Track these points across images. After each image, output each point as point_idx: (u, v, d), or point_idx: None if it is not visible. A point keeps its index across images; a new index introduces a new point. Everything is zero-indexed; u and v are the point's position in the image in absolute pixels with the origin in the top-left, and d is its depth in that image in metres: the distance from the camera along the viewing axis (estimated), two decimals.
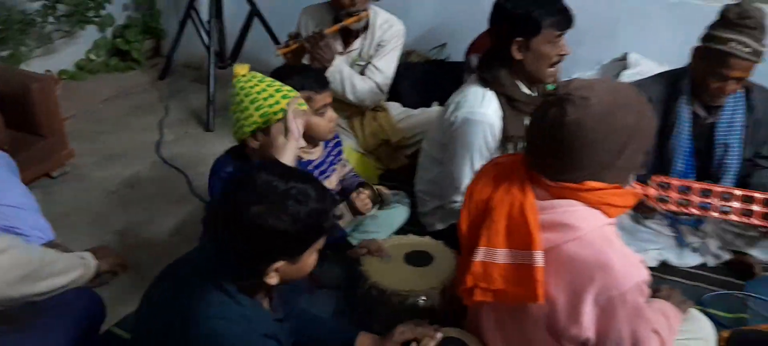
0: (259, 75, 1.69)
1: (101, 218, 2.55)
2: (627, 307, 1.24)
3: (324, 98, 1.95)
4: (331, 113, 1.99)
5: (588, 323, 1.25)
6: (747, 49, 2.00)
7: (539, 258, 1.25)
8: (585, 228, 1.26)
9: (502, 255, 1.30)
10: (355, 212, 1.98)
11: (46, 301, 1.62)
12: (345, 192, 2.23)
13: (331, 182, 2.13)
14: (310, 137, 1.99)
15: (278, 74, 1.93)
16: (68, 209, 2.59)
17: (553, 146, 1.27)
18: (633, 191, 1.34)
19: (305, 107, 1.69)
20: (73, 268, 1.69)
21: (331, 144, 2.15)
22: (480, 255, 1.32)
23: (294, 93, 1.68)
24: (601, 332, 1.27)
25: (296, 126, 1.63)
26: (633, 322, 1.26)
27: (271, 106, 1.63)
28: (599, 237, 1.26)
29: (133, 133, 3.23)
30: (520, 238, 1.28)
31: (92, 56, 3.86)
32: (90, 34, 3.80)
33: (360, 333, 1.57)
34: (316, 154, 2.08)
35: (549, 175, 1.29)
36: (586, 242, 1.25)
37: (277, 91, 1.65)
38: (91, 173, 2.85)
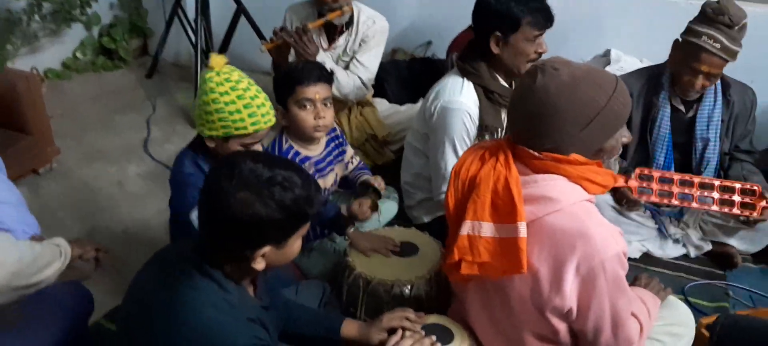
0: (235, 79, 1.59)
1: (88, 215, 2.55)
2: (607, 276, 1.27)
3: (311, 92, 1.95)
4: (320, 109, 1.97)
5: (570, 293, 1.29)
6: (717, 45, 2.05)
7: (523, 229, 1.29)
8: (566, 200, 1.30)
9: (487, 228, 1.34)
10: (354, 218, 2.00)
11: (34, 295, 1.62)
12: (349, 183, 2.24)
13: (328, 182, 2.14)
14: (301, 132, 2.01)
15: (284, 75, 1.97)
16: (55, 206, 2.58)
17: (523, 112, 1.33)
18: (613, 172, 1.39)
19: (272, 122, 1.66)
20: (55, 258, 1.70)
21: (332, 144, 2.16)
22: (466, 229, 1.36)
23: (264, 111, 1.62)
24: (582, 304, 1.31)
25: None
26: (613, 295, 1.30)
27: (235, 124, 1.59)
28: (579, 209, 1.31)
29: (120, 131, 3.22)
30: (505, 211, 1.32)
31: (79, 55, 3.85)
32: (76, 33, 3.79)
33: (345, 320, 1.58)
34: (316, 150, 2.09)
35: (526, 143, 1.33)
36: (567, 214, 1.30)
37: (247, 109, 1.58)
38: (78, 171, 2.84)
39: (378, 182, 2.10)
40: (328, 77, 2.01)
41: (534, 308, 1.35)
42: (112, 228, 2.48)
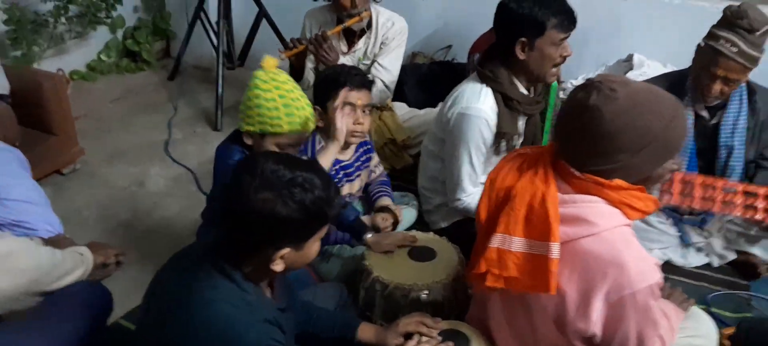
0: (282, 80, 1.65)
1: (110, 215, 2.59)
2: (637, 307, 1.23)
3: (353, 97, 1.96)
4: (360, 115, 1.97)
5: (596, 319, 1.25)
6: (734, 49, 2.01)
7: (556, 250, 1.25)
8: (603, 225, 1.25)
9: (518, 243, 1.31)
10: (375, 229, 2.01)
11: (55, 294, 1.65)
12: (368, 194, 2.25)
13: (354, 186, 2.15)
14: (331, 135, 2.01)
15: (327, 76, 1.98)
16: (78, 206, 2.63)
17: (572, 128, 1.28)
18: (654, 198, 1.33)
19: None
20: (77, 266, 1.73)
21: (361, 149, 2.16)
22: (496, 241, 1.33)
23: (303, 115, 1.65)
24: (608, 330, 1.27)
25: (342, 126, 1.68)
26: (641, 323, 1.26)
27: (272, 121, 1.63)
28: (617, 235, 1.26)
29: (142, 132, 3.27)
30: (539, 228, 1.28)
31: (103, 57, 3.92)
32: (101, 36, 3.86)
33: (362, 323, 1.58)
34: (346, 155, 2.09)
35: (570, 160, 1.29)
36: (603, 239, 1.25)
37: (286, 108, 1.62)
38: (100, 171, 2.89)
39: (398, 211, 2.11)
40: (370, 85, 2.03)
41: (556, 327, 1.33)
42: (134, 228, 2.51)
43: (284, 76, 1.65)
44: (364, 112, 1.99)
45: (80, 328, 1.63)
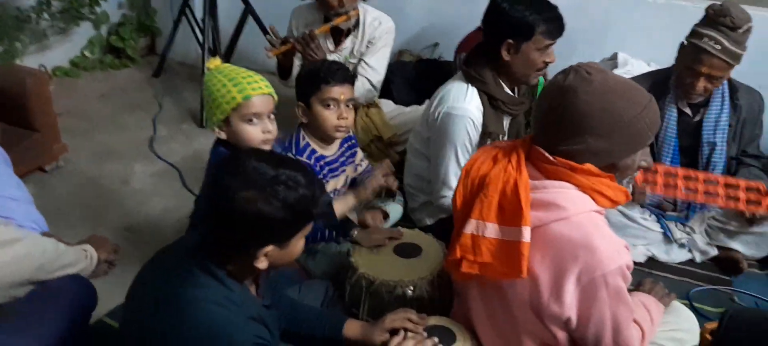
0: (226, 68, 1.70)
1: (94, 212, 2.56)
2: (609, 289, 1.26)
3: (336, 92, 1.96)
4: (343, 110, 1.98)
5: (569, 302, 1.28)
6: (718, 47, 2.04)
7: (526, 233, 1.28)
8: (573, 210, 1.29)
9: (491, 229, 1.33)
10: (363, 226, 2.01)
11: (38, 287, 1.63)
12: (357, 185, 2.23)
13: (339, 182, 2.14)
14: (321, 131, 2.01)
15: (309, 72, 1.98)
16: (61, 203, 2.60)
17: (546, 108, 1.32)
18: (625, 189, 1.36)
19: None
20: (80, 260, 1.72)
21: (345, 145, 2.16)
22: (470, 227, 1.35)
23: (252, 81, 1.67)
24: (582, 314, 1.30)
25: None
26: (614, 305, 1.29)
27: (225, 99, 1.65)
28: (586, 220, 1.30)
29: (127, 130, 3.24)
30: (511, 214, 1.31)
31: (87, 53, 3.87)
32: (85, 31, 3.82)
33: (348, 320, 1.58)
34: (330, 150, 2.09)
35: (542, 142, 1.32)
36: (574, 223, 1.28)
37: (232, 81, 1.66)
38: (84, 168, 2.86)
39: (390, 182, 2.09)
40: (352, 79, 2.02)
41: (532, 312, 1.35)
42: (117, 226, 2.49)
43: (225, 64, 1.71)
44: (347, 106, 1.99)
45: (64, 325, 1.62)
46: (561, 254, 1.28)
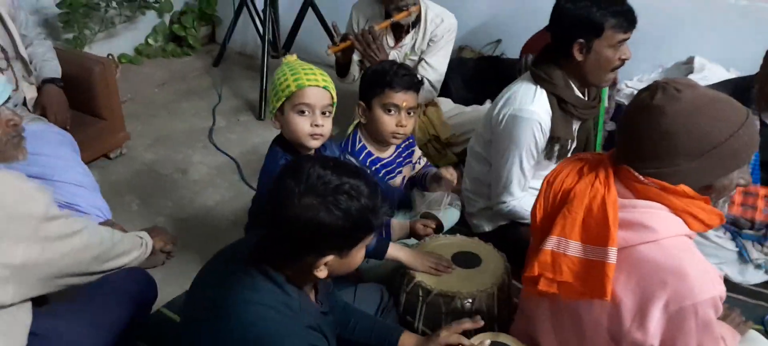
0: (294, 62, 1.71)
1: (153, 200, 2.61)
2: (698, 320, 1.18)
3: (399, 99, 1.91)
4: (403, 117, 1.94)
5: (654, 330, 1.21)
6: None
7: (613, 255, 1.21)
8: (664, 233, 1.21)
9: (574, 247, 1.27)
10: (415, 236, 1.95)
11: (101, 279, 1.66)
12: (417, 182, 2.19)
13: (396, 182, 2.11)
14: (377, 134, 1.98)
15: (375, 72, 1.95)
16: (123, 190, 2.66)
17: (634, 127, 1.25)
18: (720, 212, 1.28)
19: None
20: (135, 248, 1.74)
21: (403, 145, 2.12)
22: (551, 244, 1.29)
23: (310, 73, 1.65)
24: (666, 344, 1.22)
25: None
26: (701, 337, 1.21)
27: (281, 86, 1.65)
28: (678, 244, 1.22)
29: (186, 118, 3.29)
30: (596, 232, 1.24)
31: (151, 41, 3.96)
32: (150, 20, 3.91)
33: (404, 332, 1.54)
34: (387, 152, 2.06)
35: (629, 162, 1.25)
36: (664, 247, 1.21)
37: (290, 70, 1.66)
38: (144, 156, 2.92)
39: (450, 173, 2.02)
40: (418, 86, 1.97)
41: (609, 337, 1.28)
42: (175, 216, 2.53)
43: (294, 62, 1.71)
44: (408, 113, 1.94)
45: (124, 316, 1.64)
46: (648, 279, 1.20)
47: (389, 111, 1.92)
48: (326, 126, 1.67)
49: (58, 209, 1.46)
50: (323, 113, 1.66)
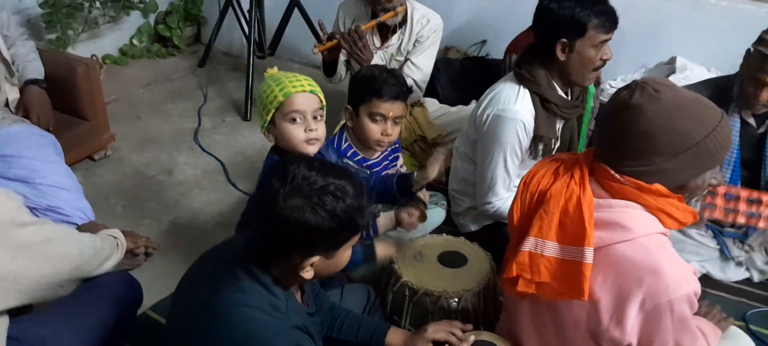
0: (278, 73, 1.70)
1: (138, 202, 2.60)
2: (674, 316, 1.20)
3: (385, 108, 1.91)
4: (389, 126, 1.93)
5: (631, 328, 1.22)
6: None
7: (589, 255, 1.23)
8: (640, 231, 1.23)
9: (551, 248, 1.28)
10: (401, 225, 1.94)
11: (87, 285, 1.65)
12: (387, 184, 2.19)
13: None
14: (363, 140, 1.98)
15: (364, 79, 1.94)
16: (107, 192, 2.64)
17: (611, 127, 1.26)
18: (693, 210, 1.30)
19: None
20: (114, 251, 1.74)
21: (388, 149, 2.12)
22: (528, 245, 1.30)
23: (295, 80, 1.66)
24: (644, 341, 1.24)
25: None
26: (678, 334, 1.23)
27: (269, 98, 1.64)
28: (653, 242, 1.23)
29: (171, 119, 3.27)
30: (573, 233, 1.26)
31: (135, 42, 3.93)
32: (134, 20, 3.87)
33: (391, 328, 1.56)
34: (373, 155, 2.06)
35: (607, 160, 1.27)
36: (639, 245, 1.22)
37: (275, 82, 1.65)
38: (129, 157, 2.90)
39: (424, 195, 2.03)
40: (405, 95, 1.96)
41: (589, 335, 1.29)
42: (160, 218, 2.51)
43: (279, 74, 1.70)
44: (395, 122, 1.94)
45: (109, 319, 1.64)
46: (624, 278, 1.22)
47: (375, 120, 1.92)
48: (320, 130, 1.67)
49: (30, 215, 1.44)
50: (315, 118, 1.66)
